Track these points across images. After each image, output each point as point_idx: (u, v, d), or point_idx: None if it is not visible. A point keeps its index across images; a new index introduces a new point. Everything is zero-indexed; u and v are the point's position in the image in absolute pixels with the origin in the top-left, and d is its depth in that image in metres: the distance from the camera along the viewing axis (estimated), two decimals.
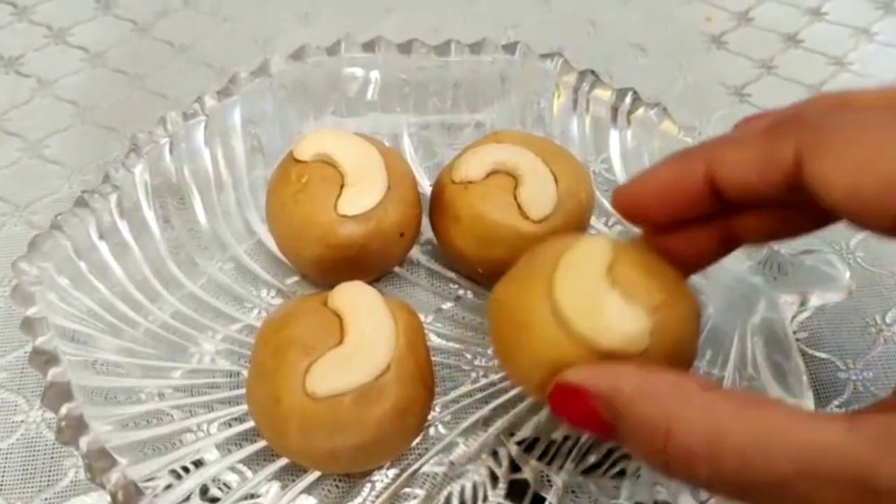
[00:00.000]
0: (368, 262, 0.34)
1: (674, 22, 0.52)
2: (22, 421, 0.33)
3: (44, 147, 0.43)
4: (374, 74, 0.41)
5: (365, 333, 0.28)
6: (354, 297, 0.29)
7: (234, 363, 0.34)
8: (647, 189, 0.24)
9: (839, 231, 0.29)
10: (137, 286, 0.34)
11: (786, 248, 0.32)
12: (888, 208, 0.20)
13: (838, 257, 0.31)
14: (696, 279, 0.30)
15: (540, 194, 0.33)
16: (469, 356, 0.34)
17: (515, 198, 0.33)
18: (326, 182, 0.33)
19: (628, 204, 0.25)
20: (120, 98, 0.46)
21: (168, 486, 0.29)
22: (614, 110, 0.38)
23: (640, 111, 0.38)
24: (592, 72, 0.39)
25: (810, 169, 0.21)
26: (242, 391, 0.31)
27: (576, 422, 0.23)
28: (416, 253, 0.37)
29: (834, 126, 0.21)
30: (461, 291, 0.37)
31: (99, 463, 0.26)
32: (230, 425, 0.32)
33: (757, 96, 0.47)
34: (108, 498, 0.26)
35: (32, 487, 0.31)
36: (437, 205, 0.35)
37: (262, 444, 0.31)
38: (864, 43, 0.51)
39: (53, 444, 0.32)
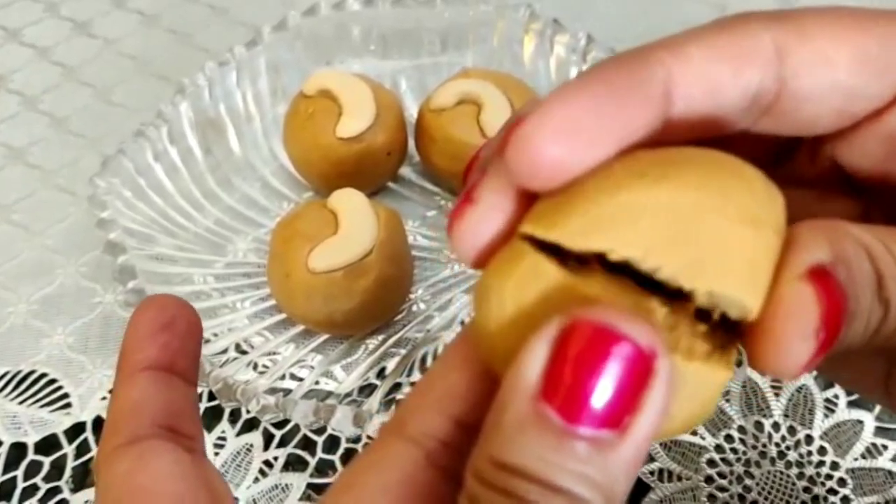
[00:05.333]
0: (363, 176, 0.42)
1: None
2: (100, 301, 0.42)
3: (110, 94, 0.53)
4: (375, 26, 0.48)
5: (353, 226, 0.37)
6: (346, 200, 0.38)
7: (261, 258, 0.42)
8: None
9: None
10: (185, 199, 0.43)
11: None
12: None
13: None
14: None
15: (498, 118, 0.41)
16: (447, 252, 0.43)
17: (478, 121, 0.41)
18: (327, 112, 0.41)
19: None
20: (171, 53, 0.55)
21: (207, 341, 0.38)
22: (573, 51, 0.46)
23: (594, 52, 0.45)
24: (555, 20, 0.46)
25: (799, 52, 0.16)
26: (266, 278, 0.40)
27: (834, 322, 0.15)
28: (406, 171, 0.46)
29: (812, 13, 0.17)
30: (442, 202, 0.45)
31: None
32: (256, 303, 0.41)
33: None
34: None
35: (107, 350, 0.40)
36: (419, 129, 0.43)
37: (280, 316, 0.40)
38: None
39: (123, 319, 0.41)
